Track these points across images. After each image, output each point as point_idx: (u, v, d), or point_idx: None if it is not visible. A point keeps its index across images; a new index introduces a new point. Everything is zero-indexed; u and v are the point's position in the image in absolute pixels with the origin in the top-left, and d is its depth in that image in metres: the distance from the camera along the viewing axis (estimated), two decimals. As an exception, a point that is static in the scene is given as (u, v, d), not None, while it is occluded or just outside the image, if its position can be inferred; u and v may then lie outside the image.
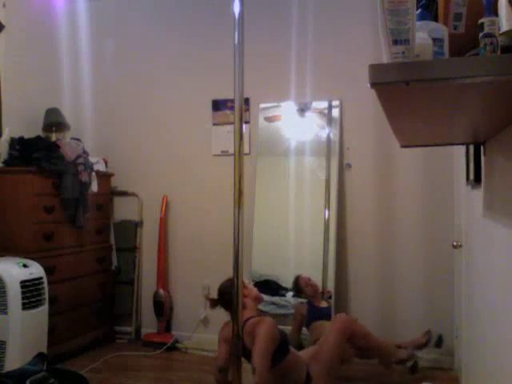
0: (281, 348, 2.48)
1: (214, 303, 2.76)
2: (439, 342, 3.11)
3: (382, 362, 2.93)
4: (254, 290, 2.77)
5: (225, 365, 2.55)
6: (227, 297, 2.55)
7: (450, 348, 3.19)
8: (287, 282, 3.46)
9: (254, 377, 2.32)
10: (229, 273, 2.44)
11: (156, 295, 3.75)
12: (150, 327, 3.85)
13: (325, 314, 3.21)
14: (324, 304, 3.28)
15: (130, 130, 4.00)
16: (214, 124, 3.79)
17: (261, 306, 3.37)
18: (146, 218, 3.94)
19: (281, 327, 3.25)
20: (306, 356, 2.68)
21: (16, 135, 3.28)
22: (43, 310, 2.85)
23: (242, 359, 2.14)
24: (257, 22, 3.52)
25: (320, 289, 3.33)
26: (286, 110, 3.62)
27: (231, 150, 2.80)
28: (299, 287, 3.33)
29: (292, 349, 2.64)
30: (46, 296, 2.88)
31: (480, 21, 0.92)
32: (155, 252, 3.82)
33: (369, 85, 0.83)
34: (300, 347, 3.04)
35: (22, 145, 3.23)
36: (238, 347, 2.26)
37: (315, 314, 3.21)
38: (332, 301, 3.30)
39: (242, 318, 2.37)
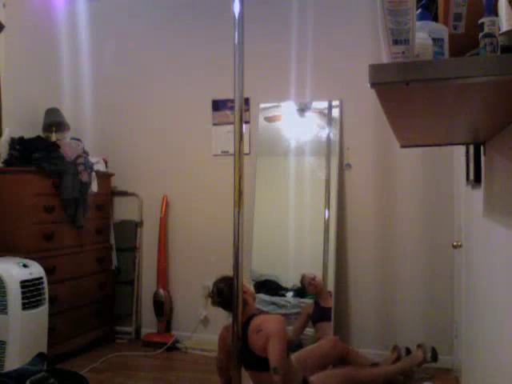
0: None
1: (215, 301, 2.64)
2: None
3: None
4: (251, 287, 2.75)
5: (223, 366, 2.55)
6: (227, 297, 2.50)
7: (449, 348, 3.20)
8: (287, 282, 3.46)
9: (276, 376, 2.24)
10: (229, 273, 2.45)
11: (156, 295, 3.75)
12: (150, 327, 3.85)
13: (326, 315, 3.22)
14: (330, 304, 3.27)
15: (129, 130, 4.00)
16: (214, 124, 3.78)
17: (261, 306, 3.38)
18: (146, 217, 3.94)
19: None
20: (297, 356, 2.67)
21: (16, 135, 3.28)
22: (43, 310, 2.85)
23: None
24: (257, 21, 3.52)
25: (323, 286, 3.32)
26: (286, 110, 3.62)
27: (231, 150, 2.80)
28: (303, 285, 3.35)
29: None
30: (46, 296, 2.88)
31: (480, 21, 0.92)
32: (155, 252, 3.82)
33: (369, 85, 0.83)
34: (299, 346, 3.05)
35: (22, 145, 3.23)
36: (237, 347, 2.27)
37: (318, 314, 3.24)
38: (332, 301, 3.29)
39: (243, 317, 2.36)
